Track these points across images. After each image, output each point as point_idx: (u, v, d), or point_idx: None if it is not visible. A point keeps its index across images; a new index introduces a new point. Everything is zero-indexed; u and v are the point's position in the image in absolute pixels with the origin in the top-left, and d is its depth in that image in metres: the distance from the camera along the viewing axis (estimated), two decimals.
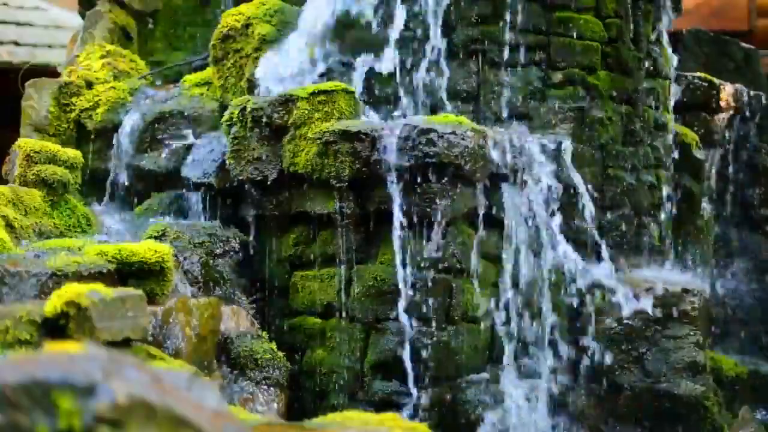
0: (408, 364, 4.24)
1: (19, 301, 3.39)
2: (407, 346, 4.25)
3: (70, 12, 8.84)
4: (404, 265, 4.25)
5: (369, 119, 4.58)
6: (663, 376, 4.64)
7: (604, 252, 4.71)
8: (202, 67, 5.47)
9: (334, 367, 4.38)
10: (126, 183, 5.09)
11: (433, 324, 4.27)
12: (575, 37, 5.00)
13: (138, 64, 5.61)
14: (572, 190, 4.68)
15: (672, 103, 5.45)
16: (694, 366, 4.65)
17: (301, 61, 4.86)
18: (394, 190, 4.25)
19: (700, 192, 5.58)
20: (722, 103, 5.81)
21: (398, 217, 4.25)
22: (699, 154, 5.60)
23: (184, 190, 4.90)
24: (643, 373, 4.66)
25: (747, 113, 5.99)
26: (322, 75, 4.84)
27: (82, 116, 5.28)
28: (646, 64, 5.28)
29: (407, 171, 4.23)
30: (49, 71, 7.27)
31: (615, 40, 5.13)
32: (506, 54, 4.90)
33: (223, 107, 4.98)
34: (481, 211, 4.36)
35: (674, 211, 5.41)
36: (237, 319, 4.27)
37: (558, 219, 4.53)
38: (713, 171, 5.81)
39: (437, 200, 4.25)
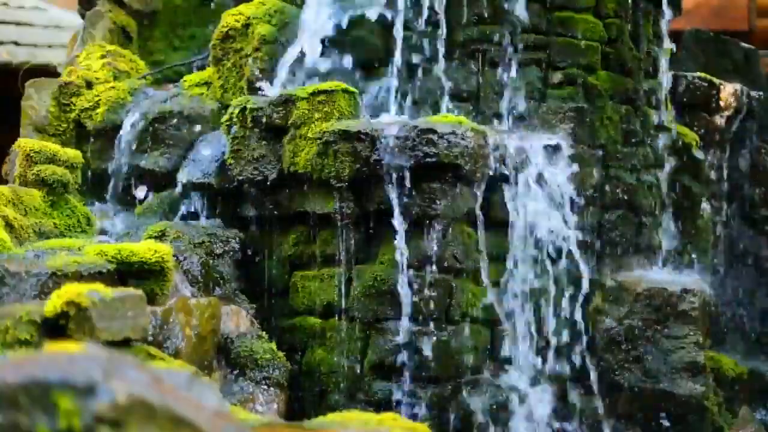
0: (408, 364, 4.24)
1: (19, 301, 3.39)
2: (407, 346, 4.25)
3: (70, 12, 8.83)
4: (404, 265, 4.25)
5: (369, 119, 4.58)
6: (663, 376, 4.64)
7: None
8: (202, 67, 5.47)
9: (334, 367, 4.38)
10: (126, 183, 5.09)
11: (433, 324, 4.27)
12: (575, 37, 4.99)
13: (138, 64, 5.60)
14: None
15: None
16: (694, 366, 4.65)
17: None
18: (394, 190, 4.25)
19: (700, 192, 5.57)
20: (722, 103, 5.80)
21: (398, 217, 4.24)
22: (699, 154, 5.60)
23: (184, 190, 4.89)
24: (643, 373, 4.66)
25: (747, 113, 5.98)
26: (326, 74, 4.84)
27: (82, 116, 5.28)
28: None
29: (407, 171, 4.23)
30: (49, 71, 7.27)
31: (615, 40, 5.12)
32: (506, 54, 4.90)
33: (223, 107, 4.98)
34: (481, 212, 4.36)
35: (674, 211, 5.40)
36: (237, 319, 4.27)
37: (557, 218, 4.53)
38: (713, 171, 5.81)
39: (437, 200, 4.25)
